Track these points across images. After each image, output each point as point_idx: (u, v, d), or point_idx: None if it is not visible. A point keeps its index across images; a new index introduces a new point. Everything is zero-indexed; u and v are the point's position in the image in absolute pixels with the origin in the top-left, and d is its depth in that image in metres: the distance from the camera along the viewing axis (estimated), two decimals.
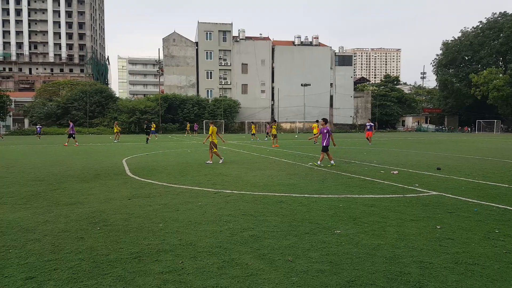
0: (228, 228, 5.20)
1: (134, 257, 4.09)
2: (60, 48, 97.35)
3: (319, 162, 12.42)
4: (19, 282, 3.43)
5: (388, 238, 4.72)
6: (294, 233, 4.96)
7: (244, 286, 3.35)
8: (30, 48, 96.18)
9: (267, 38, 68.80)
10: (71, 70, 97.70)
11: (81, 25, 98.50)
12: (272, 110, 67.37)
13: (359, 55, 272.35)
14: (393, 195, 7.52)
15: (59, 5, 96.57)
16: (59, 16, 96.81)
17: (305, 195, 7.47)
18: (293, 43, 69.70)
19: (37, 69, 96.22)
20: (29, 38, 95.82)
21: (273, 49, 66.92)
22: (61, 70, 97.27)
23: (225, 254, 4.15)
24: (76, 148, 22.32)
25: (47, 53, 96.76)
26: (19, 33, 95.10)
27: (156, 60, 64.40)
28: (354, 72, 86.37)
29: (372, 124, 25.42)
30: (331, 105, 69.78)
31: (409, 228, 5.18)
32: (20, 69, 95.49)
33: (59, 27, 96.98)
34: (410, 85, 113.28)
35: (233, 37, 65.76)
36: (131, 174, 10.55)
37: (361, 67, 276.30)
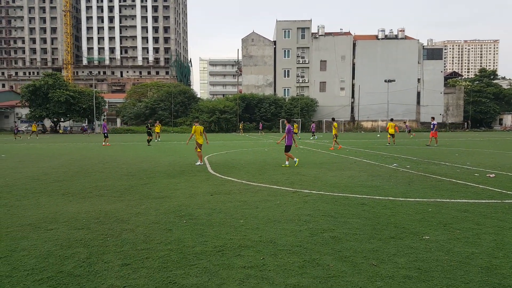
0: (307, 228, 5.19)
1: (218, 250, 4.30)
2: (147, 52, 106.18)
3: (287, 163, 12.37)
4: (116, 268, 3.81)
5: (484, 247, 4.38)
6: (378, 236, 4.78)
7: (326, 287, 3.35)
8: (121, 53, 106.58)
9: (348, 33, 66.75)
10: (157, 73, 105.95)
11: (166, 29, 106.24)
12: (352, 108, 65.19)
13: (450, 48, 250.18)
14: (490, 200, 6.89)
15: (146, 11, 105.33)
16: (147, 21, 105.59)
17: (390, 198, 7.14)
18: (376, 37, 66.59)
19: (127, 72, 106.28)
20: (120, 43, 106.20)
21: (354, 45, 64.72)
22: (149, 72, 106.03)
23: (305, 254, 4.17)
24: (163, 145, 24.06)
25: (136, 57, 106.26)
26: (111, 39, 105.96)
27: (235, 61, 66.71)
28: (445, 67, 79.49)
29: (435, 123, 23.04)
30: (418, 102, 65.11)
31: (509, 237, 4.74)
32: (113, 72, 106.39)
33: (147, 32, 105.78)
34: (510, 79, 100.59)
35: (312, 34, 65.09)
36: (212, 171, 11.08)
37: (453, 61, 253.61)
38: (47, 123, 58.86)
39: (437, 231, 4.99)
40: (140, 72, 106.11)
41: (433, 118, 24.52)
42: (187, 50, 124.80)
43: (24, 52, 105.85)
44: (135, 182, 9.20)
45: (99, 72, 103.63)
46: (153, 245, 4.50)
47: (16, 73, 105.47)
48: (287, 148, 12.27)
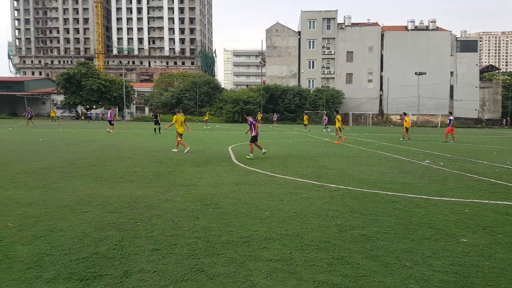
0: (335, 224, 5.08)
1: (244, 241, 4.30)
2: (174, 43, 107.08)
3: (251, 155, 11.88)
4: (147, 253, 3.89)
5: None
6: (411, 237, 4.60)
7: (356, 286, 3.24)
8: (149, 43, 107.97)
9: (376, 24, 64.94)
10: (183, 63, 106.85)
11: (192, 20, 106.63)
12: (381, 101, 63.54)
13: (485, 40, 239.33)
14: None
15: (172, 2, 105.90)
16: (173, 12, 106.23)
17: (423, 197, 6.86)
18: (405, 28, 64.43)
19: (155, 62, 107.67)
20: (148, 34, 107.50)
21: (382, 36, 62.91)
22: (175, 63, 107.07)
23: (334, 251, 4.07)
24: (190, 134, 24.31)
25: (163, 47, 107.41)
26: (140, 29, 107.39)
27: (259, 52, 66.35)
28: (480, 59, 76.08)
29: (452, 118, 21.82)
30: (451, 96, 62.58)
31: None
32: (141, 62, 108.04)
33: (173, 23, 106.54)
34: None
35: (338, 24, 63.67)
36: (236, 161, 11.12)
37: (489, 53, 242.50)
38: (80, 109, 60.53)
39: (476, 234, 4.72)
40: (167, 62, 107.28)
41: (450, 113, 23.60)
42: (211, 40, 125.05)
43: (59, 41, 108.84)
44: (163, 169, 9.35)
45: (128, 62, 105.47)
46: (181, 232, 4.57)
47: (52, 62, 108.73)
48: (254, 139, 12.18)
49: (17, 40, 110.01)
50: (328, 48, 63.68)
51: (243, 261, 3.71)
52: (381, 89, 63.31)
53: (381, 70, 63.02)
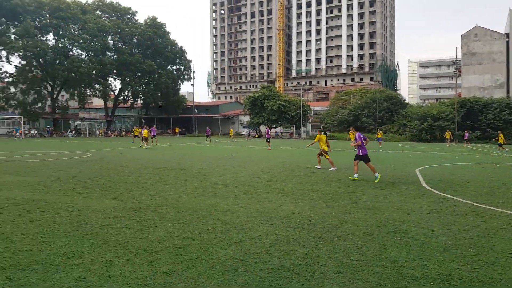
0: None
1: (443, 279, 3.81)
2: (352, 59, 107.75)
3: (355, 175, 11.20)
4: (332, 274, 3.88)
5: None
6: None
7: None
8: (326, 62, 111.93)
9: None
10: (361, 79, 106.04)
11: (371, 35, 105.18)
12: None
13: None
14: None
15: (352, 19, 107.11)
16: (352, 29, 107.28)
17: None
18: None
19: (331, 80, 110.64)
20: (326, 53, 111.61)
21: None
22: (352, 79, 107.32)
23: None
24: (371, 153, 23.71)
25: (340, 65, 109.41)
26: (318, 50, 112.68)
27: (452, 60, 59.57)
28: None
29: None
30: None
31: None
32: (318, 82, 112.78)
33: (352, 39, 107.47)
34: None
35: None
36: (427, 186, 10.09)
37: None
38: (262, 128, 67.46)
39: None
40: (344, 80, 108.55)
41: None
42: (393, 53, 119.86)
43: (246, 68, 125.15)
44: (342, 189, 9.32)
45: (306, 82, 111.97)
46: (367, 258, 4.39)
47: (240, 87, 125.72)
48: (360, 157, 11.34)
49: (214, 70, 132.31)
50: None
51: None
52: None
53: None
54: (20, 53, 53.55)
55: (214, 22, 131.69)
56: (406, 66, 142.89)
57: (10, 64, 55.97)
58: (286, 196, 8.22)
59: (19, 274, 3.79)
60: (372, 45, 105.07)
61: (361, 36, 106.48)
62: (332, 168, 13.86)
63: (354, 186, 9.85)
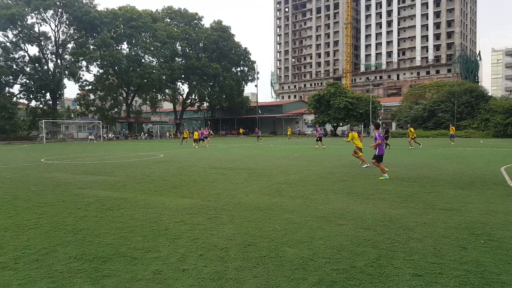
0: None
1: None
2: (426, 51, 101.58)
3: (385, 175, 10.70)
4: (407, 276, 3.75)
5: None
6: None
7: None
8: (398, 55, 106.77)
9: None
10: (437, 72, 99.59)
11: (449, 23, 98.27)
12: None
13: None
14: None
15: (427, 8, 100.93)
16: (427, 18, 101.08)
17: None
18: None
19: (404, 74, 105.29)
20: (398, 46, 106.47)
21: None
22: (427, 72, 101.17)
23: None
24: (447, 151, 22.24)
25: (414, 58, 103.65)
26: (389, 43, 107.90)
27: None
28: None
29: None
30: None
31: None
32: (389, 76, 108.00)
33: (427, 29, 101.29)
34: None
35: None
36: None
37: None
38: (328, 127, 66.34)
39: None
40: (418, 73, 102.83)
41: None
42: (474, 42, 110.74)
43: (311, 66, 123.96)
44: (417, 189, 8.88)
45: (375, 77, 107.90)
46: (446, 261, 4.16)
47: (305, 85, 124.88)
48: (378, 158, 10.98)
49: (278, 69, 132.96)
50: None
51: None
52: None
53: None
54: (98, 63, 58.58)
55: (278, 21, 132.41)
56: (490, 55, 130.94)
57: (90, 73, 61.82)
58: (355, 197, 8.04)
59: (103, 265, 4.18)
60: (450, 35, 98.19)
61: (437, 25, 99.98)
62: (365, 165, 13.78)
63: (431, 186, 9.32)
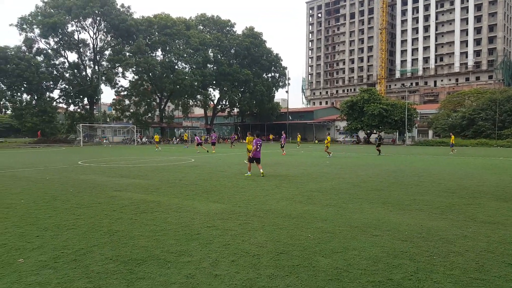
0: None
1: None
2: (466, 57, 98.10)
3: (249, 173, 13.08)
4: None
5: None
6: None
7: None
8: (435, 61, 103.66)
9: None
10: (477, 78, 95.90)
11: (491, 28, 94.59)
12: None
13: None
14: None
15: (467, 12, 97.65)
16: (467, 23, 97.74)
17: None
18: None
19: (441, 80, 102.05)
20: (435, 51, 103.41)
21: None
22: (467, 79, 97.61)
23: None
24: (487, 161, 21.31)
25: (452, 64, 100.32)
26: (426, 48, 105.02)
27: None
28: None
29: None
30: None
31: None
32: (426, 83, 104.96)
33: (466, 34, 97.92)
34: None
35: None
36: None
37: None
38: (361, 134, 65.15)
39: None
40: (457, 80, 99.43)
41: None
42: None
43: (344, 72, 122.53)
44: (456, 201, 8.54)
45: (411, 84, 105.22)
46: (490, 278, 3.96)
47: (337, 91, 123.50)
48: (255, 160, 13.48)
49: (309, 75, 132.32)
50: None
51: None
52: None
53: None
54: (133, 69, 60.45)
55: (310, 26, 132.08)
56: None
57: (125, 79, 63.67)
58: (391, 207, 7.82)
59: (138, 267, 4.27)
60: (491, 40, 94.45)
61: (477, 30, 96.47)
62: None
63: (471, 198, 8.94)
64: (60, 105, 60.37)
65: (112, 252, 4.81)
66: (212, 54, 70.16)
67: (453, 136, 32.90)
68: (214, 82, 69.95)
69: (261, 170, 13.52)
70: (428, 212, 7.28)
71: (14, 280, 3.91)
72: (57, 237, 5.54)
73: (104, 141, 54.20)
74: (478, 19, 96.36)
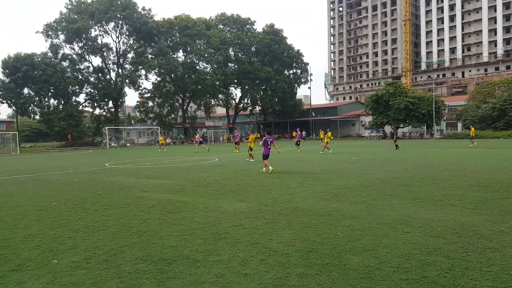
0: None
1: None
2: (495, 45, 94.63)
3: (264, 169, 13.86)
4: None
5: None
6: None
7: None
8: (463, 52, 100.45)
9: None
10: (507, 68, 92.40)
11: None
12: None
13: None
14: None
15: (495, 0, 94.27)
16: (495, 10, 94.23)
17: None
18: None
19: (470, 71, 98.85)
20: (462, 41, 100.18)
21: None
22: (496, 69, 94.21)
23: None
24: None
25: (481, 54, 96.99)
26: (452, 38, 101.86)
27: None
28: None
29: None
30: None
31: None
32: (453, 74, 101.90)
33: (495, 22, 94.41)
34: None
35: None
36: None
37: None
38: (387, 129, 63.96)
39: None
40: (486, 70, 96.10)
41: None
42: None
43: (367, 66, 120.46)
44: (490, 195, 8.25)
45: (438, 75, 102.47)
46: None
47: (361, 86, 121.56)
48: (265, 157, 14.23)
49: (332, 70, 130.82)
50: None
51: None
52: None
53: None
54: (156, 71, 61.44)
55: (331, 21, 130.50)
56: None
57: (148, 81, 65.09)
58: (422, 202, 7.63)
59: (168, 267, 4.33)
60: None
61: (507, 17, 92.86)
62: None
63: (506, 192, 8.62)
64: (86, 108, 62.08)
65: (142, 252, 4.89)
66: (232, 53, 70.43)
67: (473, 129, 32.15)
68: (236, 81, 70.20)
69: (265, 168, 14.13)
70: (460, 207, 7.07)
71: (49, 281, 4.03)
72: (89, 238, 5.68)
73: (113, 144, 51.38)
74: (507, 6, 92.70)
